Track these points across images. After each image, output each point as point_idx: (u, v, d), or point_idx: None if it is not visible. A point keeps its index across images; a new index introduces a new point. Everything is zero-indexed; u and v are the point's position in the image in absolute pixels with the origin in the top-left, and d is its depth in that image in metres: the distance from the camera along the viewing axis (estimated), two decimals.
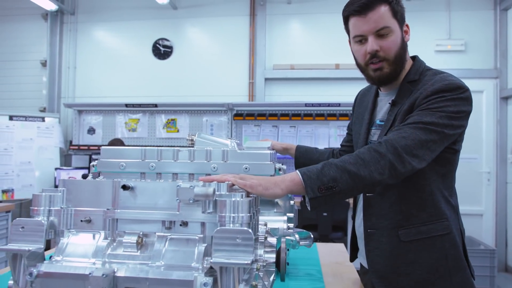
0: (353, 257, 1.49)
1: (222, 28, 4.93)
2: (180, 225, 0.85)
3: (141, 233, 0.85)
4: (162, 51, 5.01)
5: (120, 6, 5.13)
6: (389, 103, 1.28)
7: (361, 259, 1.40)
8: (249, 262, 0.75)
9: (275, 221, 1.47)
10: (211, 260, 0.76)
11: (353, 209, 1.48)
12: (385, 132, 1.23)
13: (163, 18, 5.03)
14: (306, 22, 4.84)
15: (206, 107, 4.70)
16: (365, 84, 5.05)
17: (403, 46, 1.24)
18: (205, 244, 0.83)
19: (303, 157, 1.58)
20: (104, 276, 0.74)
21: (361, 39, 1.24)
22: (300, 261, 1.65)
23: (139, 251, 0.84)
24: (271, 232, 1.30)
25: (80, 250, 0.84)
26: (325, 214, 3.80)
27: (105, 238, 0.85)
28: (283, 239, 1.40)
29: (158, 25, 5.05)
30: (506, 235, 4.51)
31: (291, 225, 1.50)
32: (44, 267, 0.79)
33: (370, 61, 1.23)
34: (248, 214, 0.83)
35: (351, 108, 4.71)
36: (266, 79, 4.81)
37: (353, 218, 1.46)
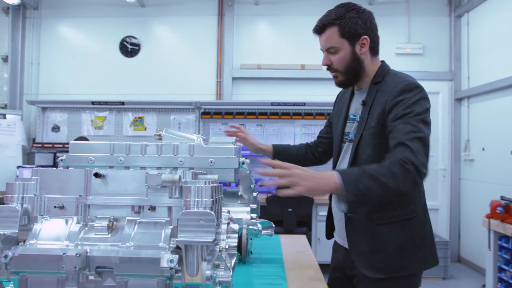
0: (329, 235, 1.64)
1: (190, 27, 4.98)
2: (149, 209, 0.93)
3: (111, 217, 0.92)
4: (129, 48, 5.00)
5: (87, 2, 5.07)
6: (361, 103, 1.47)
7: (337, 237, 1.58)
8: (211, 240, 0.84)
9: (239, 212, 1.56)
10: (177, 239, 0.84)
11: None
12: (362, 128, 1.42)
13: (130, 15, 5.01)
14: (274, 23, 4.97)
15: (173, 105, 4.74)
16: (329, 84, 5.26)
17: (356, 59, 1.43)
18: (172, 226, 0.91)
19: (281, 156, 1.69)
20: (78, 255, 0.81)
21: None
22: (263, 250, 1.75)
23: (110, 234, 0.90)
24: (236, 222, 1.39)
25: (53, 234, 0.89)
26: (290, 209, 3.93)
27: (78, 222, 0.91)
28: (245, 226, 1.50)
29: (125, 23, 5.03)
30: (459, 228, 4.82)
31: (254, 215, 1.60)
32: (20, 250, 0.84)
33: (328, 70, 1.49)
34: (211, 199, 0.92)
35: (316, 108, 4.87)
36: (234, 78, 4.90)
37: (330, 199, 1.61)
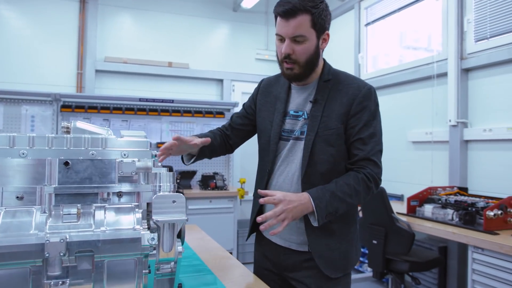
0: (252, 231, 1.63)
1: (46, 10, 4.50)
2: (117, 196, 0.98)
3: (79, 205, 0.94)
4: None
5: None
6: (311, 101, 1.44)
7: (275, 238, 1.51)
8: (185, 218, 0.96)
9: None
10: (158, 219, 0.93)
11: (258, 184, 1.58)
12: (315, 126, 1.40)
13: None
14: (140, 17, 4.88)
15: (26, 96, 4.21)
16: (196, 83, 5.61)
17: (317, 52, 1.40)
18: (141, 210, 0.99)
19: (206, 149, 1.57)
20: (62, 241, 0.83)
21: (281, 38, 1.37)
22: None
23: (78, 222, 0.92)
24: None
25: (17, 226, 0.87)
26: None
27: (43, 212, 0.91)
28: None
29: None
30: None
31: None
32: None
33: (284, 60, 1.38)
34: (173, 184, 1.03)
35: (183, 105, 4.94)
36: (97, 71, 4.64)
37: (254, 196, 1.60)
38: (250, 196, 4.73)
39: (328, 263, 1.40)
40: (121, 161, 0.97)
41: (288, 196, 1.30)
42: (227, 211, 4.45)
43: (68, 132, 1.40)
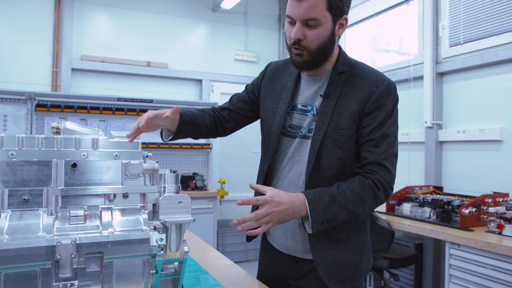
0: (249, 238, 1.43)
1: (20, 6, 4.35)
2: (123, 197, 0.98)
3: (85, 206, 0.94)
4: None
5: None
6: (321, 95, 1.28)
7: (279, 245, 1.40)
8: (191, 219, 0.98)
9: None
10: (166, 219, 0.94)
11: (257, 181, 1.46)
12: (325, 124, 1.25)
13: None
14: (118, 16, 4.80)
15: None
16: (175, 82, 5.59)
17: (331, 39, 1.23)
18: (147, 211, 0.99)
19: (187, 127, 1.41)
20: (73, 243, 0.83)
21: (291, 21, 1.22)
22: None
23: (85, 223, 0.92)
24: None
25: (24, 228, 0.86)
26: None
27: (49, 214, 0.90)
28: None
29: None
30: None
31: None
32: None
33: (293, 45, 1.23)
34: (178, 185, 1.05)
35: (163, 105, 4.90)
36: (73, 70, 4.53)
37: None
38: (230, 196, 4.78)
39: (333, 275, 1.27)
40: (129, 162, 0.97)
41: (278, 196, 1.16)
42: (207, 211, 4.45)
43: (58, 133, 1.39)
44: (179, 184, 1.09)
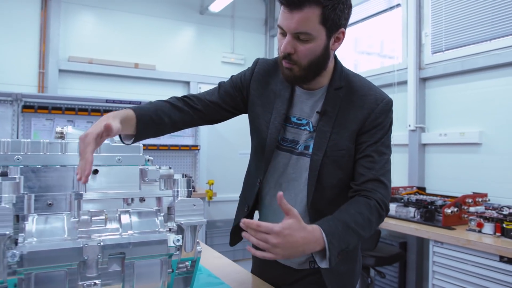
0: (234, 241, 1.45)
1: (5, 6, 4.31)
2: (140, 201, 1.04)
3: (105, 210, 0.99)
4: None
5: None
6: (318, 111, 1.23)
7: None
8: (205, 220, 1.04)
9: None
10: (182, 221, 1.01)
11: (247, 191, 1.43)
12: (324, 145, 1.20)
13: None
14: (105, 17, 4.79)
15: None
16: (163, 84, 5.59)
17: (325, 54, 1.15)
18: (163, 214, 1.05)
19: (146, 132, 1.27)
20: (99, 244, 0.89)
21: (282, 32, 1.14)
22: None
23: (106, 226, 0.98)
24: None
25: (50, 231, 0.91)
26: None
27: (72, 217, 0.95)
28: None
29: None
30: None
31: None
32: (28, 248, 0.84)
33: (283, 59, 1.16)
34: (189, 189, 1.11)
35: None
36: (61, 71, 4.51)
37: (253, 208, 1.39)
38: (219, 197, 4.83)
39: (333, 281, 1.27)
40: (146, 168, 1.03)
41: (291, 229, 0.98)
42: None
43: (62, 138, 1.43)
44: (191, 189, 1.16)
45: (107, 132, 1.01)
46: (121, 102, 4.60)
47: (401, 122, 3.64)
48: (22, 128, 4.21)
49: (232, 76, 1.43)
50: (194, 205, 1.05)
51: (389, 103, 1.24)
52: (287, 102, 1.28)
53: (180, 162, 4.98)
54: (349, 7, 1.15)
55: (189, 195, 1.11)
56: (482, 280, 2.26)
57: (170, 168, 1.13)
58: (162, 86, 5.03)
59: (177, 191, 1.10)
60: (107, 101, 4.52)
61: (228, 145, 5.27)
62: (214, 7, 5.05)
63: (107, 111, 4.56)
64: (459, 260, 2.39)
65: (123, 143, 1.26)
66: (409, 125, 3.51)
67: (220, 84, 1.41)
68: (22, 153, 1.31)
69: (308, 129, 1.26)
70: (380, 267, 3.28)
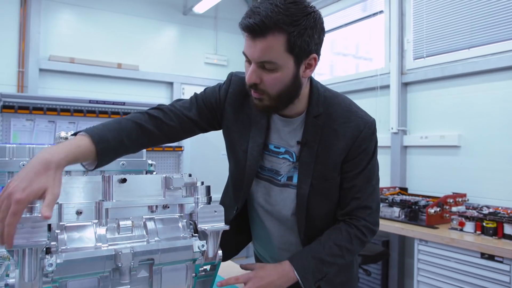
0: (228, 257, 1.54)
1: None
2: (163, 207, 1.07)
3: (131, 217, 1.02)
4: None
5: None
6: (299, 141, 1.18)
7: (263, 260, 1.52)
8: (227, 227, 1.09)
9: None
10: (205, 227, 1.04)
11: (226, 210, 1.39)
12: (308, 177, 1.18)
13: None
14: (87, 16, 4.71)
15: None
16: (146, 85, 5.57)
17: (295, 83, 1.07)
18: (185, 220, 1.09)
19: (111, 157, 1.14)
20: (133, 252, 0.91)
21: (248, 60, 1.06)
22: None
23: (133, 233, 1.01)
24: None
25: (81, 239, 0.93)
26: None
27: (101, 225, 0.98)
28: None
29: None
30: None
31: None
32: (64, 256, 0.86)
33: (251, 88, 1.09)
34: (209, 196, 1.16)
35: (135, 107, 4.85)
36: (41, 70, 4.41)
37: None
38: None
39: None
40: (172, 176, 1.06)
41: (262, 271, 1.17)
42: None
43: None
44: (210, 195, 1.19)
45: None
46: (104, 102, 4.53)
47: (384, 124, 3.77)
48: (1, 128, 4.09)
49: (206, 90, 1.31)
50: (215, 211, 1.09)
51: (371, 127, 1.19)
52: (264, 130, 1.22)
53: (164, 162, 4.96)
54: (320, 31, 1.06)
55: (208, 202, 1.15)
56: (465, 276, 2.39)
57: (190, 175, 1.16)
58: (145, 87, 4.99)
59: (197, 198, 1.14)
60: (90, 101, 4.45)
61: (210, 145, 5.29)
62: (199, 8, 5.05)
63: (90, 111, 4.49)
64: (443, 257, 2.52)
65: (85, 169, 1.13)
66: (392, 128, 3.65)
67: (197, 97, 1.29)
68: (27, 158, 1.33)
69: (289, 158, 1.22)
70: (365, 265, 3.40)
